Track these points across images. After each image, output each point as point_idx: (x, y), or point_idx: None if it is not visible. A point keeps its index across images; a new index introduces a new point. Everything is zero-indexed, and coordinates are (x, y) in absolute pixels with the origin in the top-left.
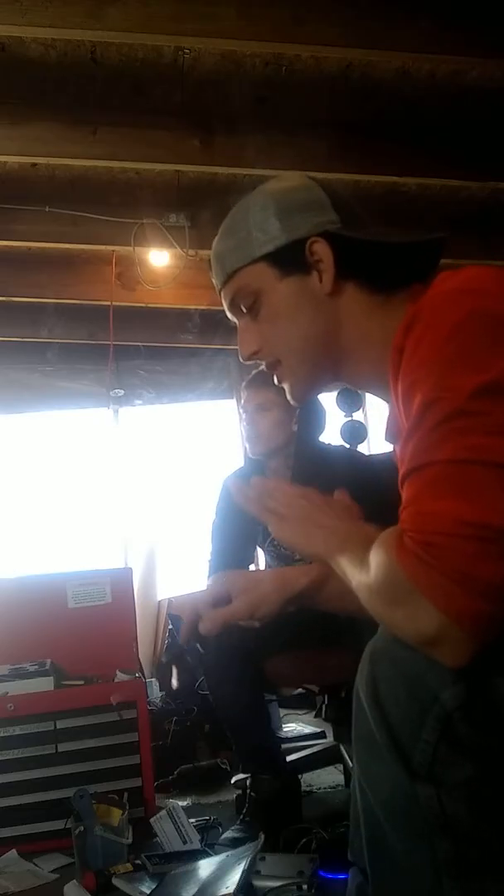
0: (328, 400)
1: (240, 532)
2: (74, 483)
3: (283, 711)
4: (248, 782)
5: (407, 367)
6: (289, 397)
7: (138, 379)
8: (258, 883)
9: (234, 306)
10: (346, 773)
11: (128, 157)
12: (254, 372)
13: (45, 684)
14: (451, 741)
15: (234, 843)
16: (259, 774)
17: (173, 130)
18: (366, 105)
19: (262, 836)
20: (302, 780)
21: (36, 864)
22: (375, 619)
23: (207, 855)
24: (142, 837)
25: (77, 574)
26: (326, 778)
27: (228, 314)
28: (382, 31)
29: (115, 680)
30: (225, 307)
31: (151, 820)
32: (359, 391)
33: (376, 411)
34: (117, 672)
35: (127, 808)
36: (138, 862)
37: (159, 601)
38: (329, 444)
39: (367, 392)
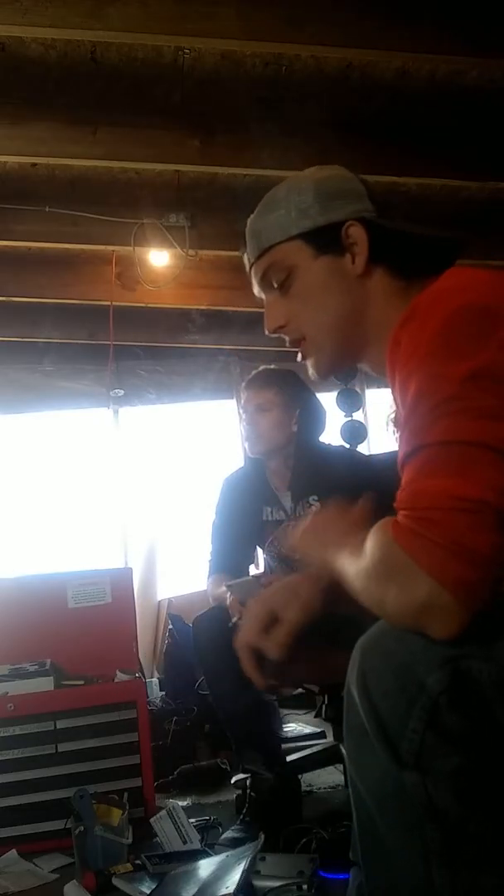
0: (328, 400)
1: (240, 532)
2: (74, 483)
3: (283, 711)
4: (248, 782)
5: (402, 359)
6: (312, 372)
7: (138, 379)
8: (258, 883)
9: (264, 281)
10: (346, 772)
11: (128, 157)
12: (254, 372)
13: (45, 684)
14: (437, 730)
15: (234, 843)
16: (259, 774)
17: (173, 130)
18: (366, 105)
19: (262, 836)
20: (302, 780)
21: (36, 864)
22: (370, 608)
23: (207, 855)
24: (142, 837)
25: (77, 574)
26: (326, 778)
27: (256, 289)
28: (382, 31)
29: (115, 680)
30: (254, 282)
31: (151, 820)
32: (378, 376)
33: (376, 411)
34: (117, 672)
35: (127, 808)
36: (138, 862)
37: (159, 601)
38: (329, 444)
39: (385, 377)
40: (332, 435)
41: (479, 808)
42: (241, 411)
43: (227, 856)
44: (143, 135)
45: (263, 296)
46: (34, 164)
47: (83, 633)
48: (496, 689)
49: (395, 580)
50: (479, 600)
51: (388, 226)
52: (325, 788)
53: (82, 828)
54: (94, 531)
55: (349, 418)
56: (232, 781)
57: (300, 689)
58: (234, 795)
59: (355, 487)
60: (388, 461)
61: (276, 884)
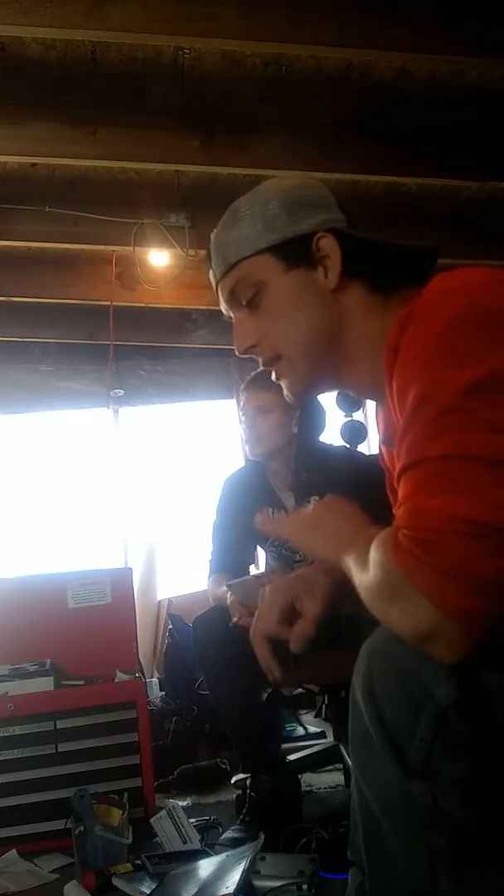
0: (328, 400)
1: (241, 532)
2: (74, 483)
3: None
4: (248, 782)
5: (401, 365)
6: (287, 394)
7: (138, 379)
8: (258, 883)
9: (232, 298)
10: (346, 773)
11: (128, 157)
12: (253, 374)
13: (45, 684)
14: (446, 738)
15: (234, 843)
16: (259, 774)
17: (173, 130)
18: (366, 105)
19: (262, 836)
20: (302, 780)
21: (36, 864)
22: (377, 618)
23: (207, 855)
24: (142, 837)
25: (77, 574)
26: (326, 778)
27: (224, 307)
28: (382, 31)
29: (115, 680)
30: (221, 300)
31: (151, 820)
32: (358, 397)
33: None
34: (117, 672)
35: (127, 808)
36: (138, 862)
37: (159, 601)
38: (330, 444)
39: (366, 397)
40: (332, 435)
41: (486, 815)
42: (240, 413)
43: (227, 856)
44: (143, 135)
45: (231, 315)
46: (34, 164)
47: (83, 633)
48: None
49: (397, 603)
50: (483, 627)
51: (362, 236)
52: (325, 788)
53: (82, 828)
54: (94, 531)
55: (349, 418)
56: (232, 781)
57: (300, 689)
58: (234, 795)
59: (356, 487)
60: None
61: (276, 884)
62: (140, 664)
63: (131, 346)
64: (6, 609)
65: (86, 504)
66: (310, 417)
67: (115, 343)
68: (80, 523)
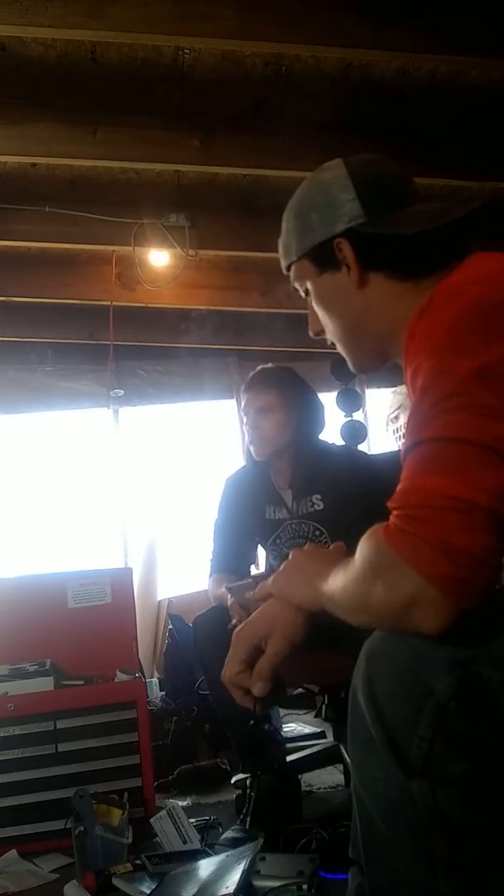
0: (328, 400)
1: (242, 532)
2: (74, 483)
3: (282, 711)
4: (248, 782)
5: (413, 353)
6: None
7: (138, 379)
8: (258, 883)
9: (298, 292)
10: (346, 773)
11: (128, 157)
12: (252, 374)
13: (45, 684)
14: (446, 736)
15: (234, 843)
16: (259, 774)
17: (173, 130)
18: (366, 105)
19: (262, 836)
20: (302, 780)
21: (36, 864)
22: (353, 618)
23: (207, 855)
24: (142, 837)
25: (77, 574)
26: (326, 778)
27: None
28: (382, 31)
29: (115, 680)
30: None
31: (151, 820)
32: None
33: (376, 411)
34: (117, 672)
35: (127, 808)
36: (138, 862)
37: (159, 601)
38: (331, 443)
39: None
40: (332, 435)
41: (486, 815)
42: (242, 414)
43: (227, 856)
44: (143, 135)
45: None
46: (34, 164)
47: (83, 633)
48: None
49: (382, 578)
50: (468, 598)
51: (376, 233)
52: (325, 788)
53: (82, 828)
54: (93, 531)
55: (349, 418)
56: (232, 781)
57: (300, 689)
58: (234, 795)
59: (357, 486)
60: (388, 461)
61: (276, 884)
62: (140, 664)
63: (131, 346)
64: (6, 609)
65: (86, 504)
66: (310, 415)
67: (115, 343)
68: (80, 523)
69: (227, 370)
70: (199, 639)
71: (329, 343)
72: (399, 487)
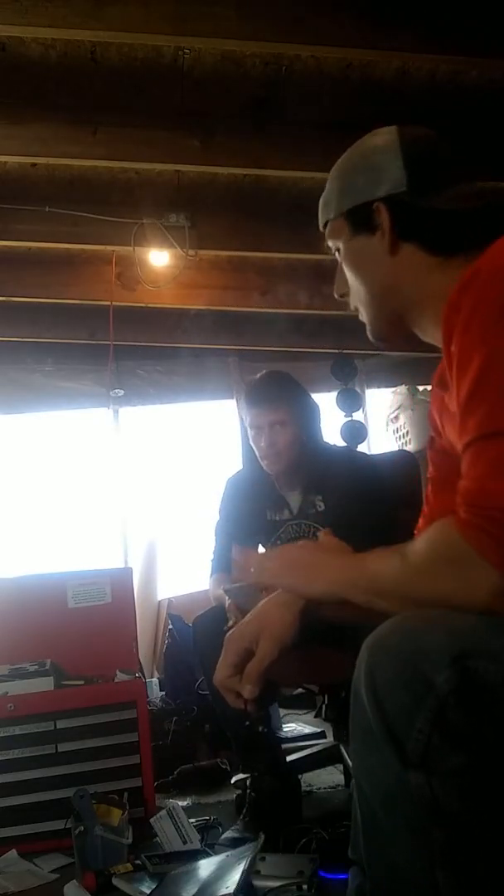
0: (328, 400)
1: (243, 532)
2: (74, 483)
3: (283, 711)
4: (248, 782)
5: (461, 328)
6: (369, 335)
7: (138, 379)
8: (258, 883)
9: (330, 250)
10: (346, 773)
11: (128, 157)
12: (256, 385)
13: (45, 684)
14: (444, 729)
15: (234, 843)
16: (259, 774)
17: (173, 130)
18: (366, 105)
19: (262, 836)
20: (302, 780)
21: (36, 864)
22: (413, 603)
23: (207, 855)
24: (142, 837)
25: (77, 574)
26: (326, 778)
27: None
28: (382, 31)
29: (115, 680)
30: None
31: (151, 820)
32: (422, 339)
33: (376, 411)
34: (117, 672)
35: (127, 808)
36: (138, 862)
37: (159, 601)
38: (332, 445)
39: (428, 341)
40: (332, 435)
41: (485, 808)
42: (248, 427)
43: (227, 856)
44: (143, 135)
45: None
46: (34, 164)
47: (83, 633)
48: None
49: (459, 572)
50: None
51: (414, 204)
52: (325, 788)
53: (82, 828)
54: (93, 531)
55: (349, 418)
56: (232, 781)
57: (300, 689)
58: (234, 795)
59: (357, 487)
60: (388, 461)
61: (276, 884)
62: (140, 664)
63: (131, 346)
64: (6, 609)
65: (86, 504)
66: (312, 422)
67: (114, 343)
68: (80, 523)
69: (227, 370)
70: (199, 639)
71: (352, 308)
72: (475, 486)
